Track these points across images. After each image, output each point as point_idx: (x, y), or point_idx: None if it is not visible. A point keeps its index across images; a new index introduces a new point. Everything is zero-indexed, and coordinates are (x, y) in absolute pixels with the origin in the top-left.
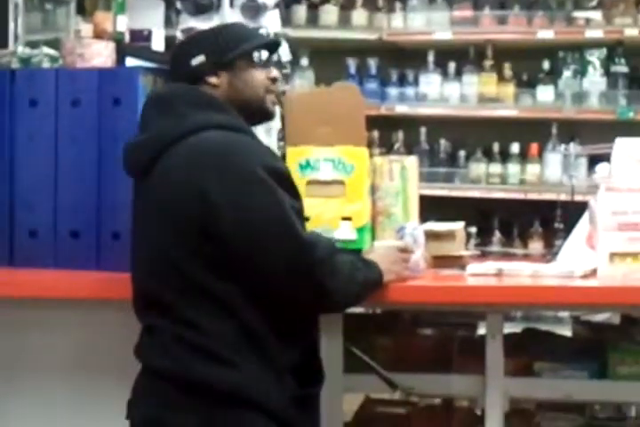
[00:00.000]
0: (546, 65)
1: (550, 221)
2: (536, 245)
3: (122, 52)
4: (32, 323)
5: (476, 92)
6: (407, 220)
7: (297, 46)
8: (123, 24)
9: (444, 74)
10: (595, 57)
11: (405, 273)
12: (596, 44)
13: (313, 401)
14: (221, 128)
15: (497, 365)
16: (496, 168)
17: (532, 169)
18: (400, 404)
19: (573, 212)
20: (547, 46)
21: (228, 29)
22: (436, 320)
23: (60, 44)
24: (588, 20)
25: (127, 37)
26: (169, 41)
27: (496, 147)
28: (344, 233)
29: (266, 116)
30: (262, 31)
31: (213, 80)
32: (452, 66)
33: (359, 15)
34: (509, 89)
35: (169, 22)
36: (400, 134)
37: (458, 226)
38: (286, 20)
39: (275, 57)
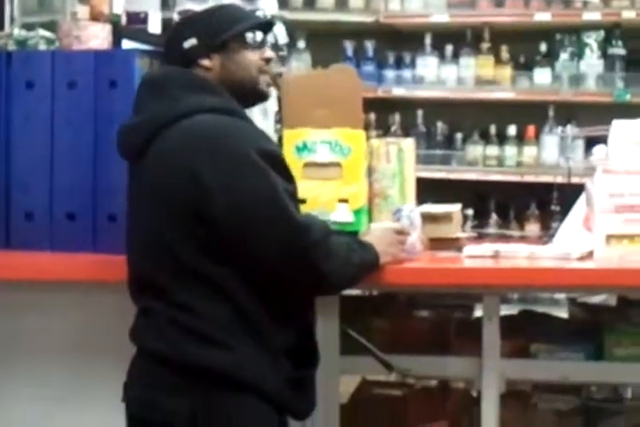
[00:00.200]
0: (543, 47)
1: (547, 203)
2: (532, 228)
3: (118, 34)
4: (28, 305)
5: (473, 74)
6: (404, 202)
7: (294, 29)
8: (119, 6)
9: (442, 56)
10: (592, 39)
11: (402, 255)
12: (593, 27)
13: (308, 383)
14: (215, 111)
15: (493, 346)
16: (493, 150)
17: (529, 151)
18: (396, 386)
19: (570, 194)
20: (544, 29)
21: (221, 11)
22: (433, 302)
23: (56, 26)
24: (585, 3)
25: (124, 20)
26: (165, 23)
27: (493, 129)
28: (341, 215)
29: (260, 97)
30: (259, 13)
31: (206, 63)
32: (449, 48)
33: None
34: (506, 71)
35: (165, 4)
36: (397, 117)
37: (455, 208)
38: (283, 3)
39: (270, 38)
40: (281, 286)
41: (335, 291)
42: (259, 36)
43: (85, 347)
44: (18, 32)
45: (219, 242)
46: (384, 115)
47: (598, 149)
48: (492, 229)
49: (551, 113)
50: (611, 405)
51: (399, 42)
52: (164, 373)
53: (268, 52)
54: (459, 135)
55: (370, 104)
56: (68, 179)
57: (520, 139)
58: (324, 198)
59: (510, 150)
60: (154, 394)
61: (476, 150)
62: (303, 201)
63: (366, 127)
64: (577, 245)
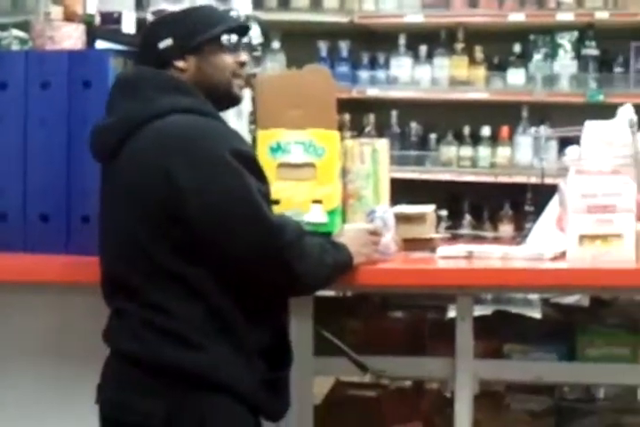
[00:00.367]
0: (517, 48)
1: (521, 203)
2: (506, 228)
3: (92, 34)
4: (0, 307)
5: (447, 75)
6: (378, 202)
7: (268, 29)
8: (93, 6)
9: (415, 57)
10: (565, 40)
11: (375, 256)
12: (566, 27)
13: (283, 384)
14: (189, 112)
15: (467, 347)
16: (467, 151)
17: (503, 152)
18: (370, 387)
19: (544, 195)
20: (518, 29)
21: (198, 12)
22: (407, 303)
23: (29, 26)
24: (558, 3)
25: (97, 20)
26: (140, 23)
27: (467, 130)
28: (315, 216)
29: (232, 100)
30: (233, 13)
31: (180, 64)
32: (423, 49)
33: None
34: (480, 72)
35: (139, 4)
36: (371, 117)
37: (428, 209)
38: (257, 3)
39: (244, 41)
40: (255, 287)
41: (309, 291)
42: (234, 39)
43: (58, 349)
44: None
45: (193, 242)
46: (358, 115)
47: (571, 150)
48: (465, 230)
49: (525, 114)
50: (583, 405)
51: (373, 42)
52: (137, 374)
53: (243, 56)
54: (433, 136)
55: (344, 105)
56: (41, 180)
57: (494, 139)
58: (298, 199)
59: (484, 151)
60: (127, 395)
61: (449, 151)
62: (277, 202)
63: (340, 128)
64: (550, 246)
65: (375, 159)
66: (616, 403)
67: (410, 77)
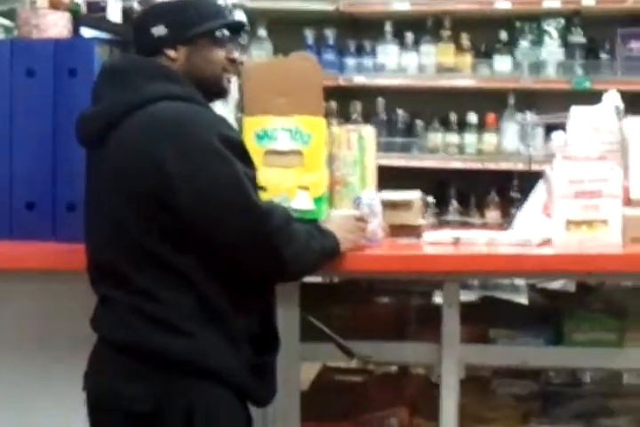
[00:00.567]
0: (503, 35)
1: (507, 190)
2: (493, 215)
3: (78, 22)
4: None
5: (433, 62)
6: (364, 189)
7: (255, 17)
8: None
9: (402, 44)
10: (552, 27)
11: (362, 242)
12: (553, 14)
13: (269, 370)
14: (177, 99)
15: (453, 332)
16: (453, 138)
17: (490, 139)
18: (357, 372)
19: (530, 181)
20: (504, 16)
21: (196, 4)
22: (393, 289)
23: (15, 14)
24: None
25: (83, 8)
26: (126, 12)
27: (453, 117)
28: (301, 203)
29: (220, 93)
30: (220, 1)
31: (171, 53)
32: (409, 36)
33: None
34: (467, 59)
35: None
36: (358, 105)
37: (415, 195)
38: None
39: (239, 39)
40: (243, 273)
41: (295, 277)
42: (228, 35)
43: (46, 336)
44: None
45: (182, 228)
46: (345, 103)
47: (557, 136)
48: (452, 217)
49: (511, 100)
50: (569, 389)
51: (360, 30)
52: (125, 360)
53: (235, 53)
54: (419, 123)
55: (331, 92)
56: (26, 168)
57: (480, 126)
58: (285, 186)
59: (470, 138)
60: (115, 382)
61: (436, 138)
62: (262, 188)
63: (327, 115)
64: (536, 231)
65: (362, 146)
66: (602, 387)
67: (396, 65)
